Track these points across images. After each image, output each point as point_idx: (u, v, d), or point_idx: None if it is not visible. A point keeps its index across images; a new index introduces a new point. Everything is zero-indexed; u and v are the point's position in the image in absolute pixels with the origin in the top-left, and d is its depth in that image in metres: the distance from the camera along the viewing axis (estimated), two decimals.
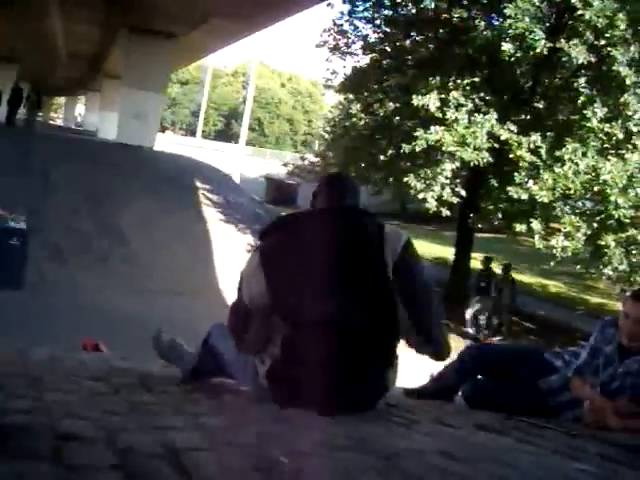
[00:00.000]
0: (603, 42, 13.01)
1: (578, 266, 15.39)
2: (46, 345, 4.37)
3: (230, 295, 15.25)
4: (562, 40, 13.18)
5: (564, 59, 13.60)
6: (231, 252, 17.34)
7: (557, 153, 13.43)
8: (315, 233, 2.69)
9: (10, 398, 2.05)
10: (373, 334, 2.64)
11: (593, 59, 13.12)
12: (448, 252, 20.08)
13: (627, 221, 13.14)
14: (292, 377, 2.55)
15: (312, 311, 2.57)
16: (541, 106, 14.74)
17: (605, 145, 13.75)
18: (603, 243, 13.36)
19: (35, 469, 1.39)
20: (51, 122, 49.28)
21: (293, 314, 2.60)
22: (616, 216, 12.92)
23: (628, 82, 12.63)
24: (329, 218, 2.76)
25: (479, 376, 4.12)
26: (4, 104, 25.47)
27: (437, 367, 4.20)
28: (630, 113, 12.92)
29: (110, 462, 1.50)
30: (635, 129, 13.20)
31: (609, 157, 13.37)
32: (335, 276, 2.60)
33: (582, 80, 13.76)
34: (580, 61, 13.03)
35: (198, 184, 21.23)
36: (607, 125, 13.17)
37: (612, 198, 12.91)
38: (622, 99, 12.89)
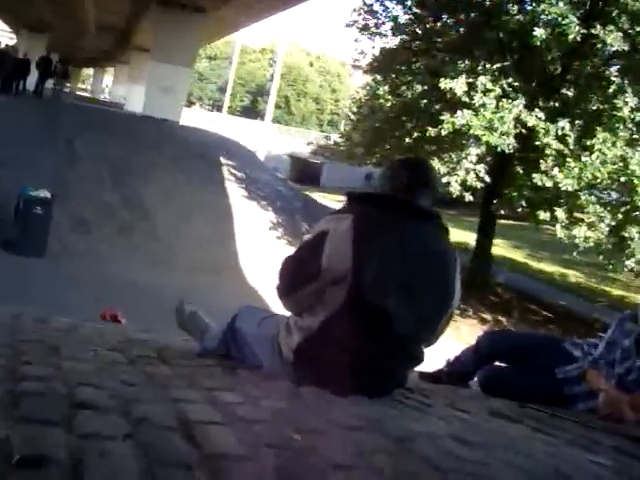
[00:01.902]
0: (639, 29, 12.80)
1: (600, 257, 15.27)
2: (65, 314, 4.40)
3: (251, 273, 15.31)
4: (597, 26, 12.96)
5: (598, 46, 13.40)
6: (253, 229, 17.38)
7: (586, 142, 13.28)
8: (405, 227, 2.60)
9: (27, 365, 2.06)
10: (416, 339, 2.66)
11: (627, 47, 12.92)
12: (469, 237, 20.00)
13: None
14: (322, 356, 2.53)
15: (378, 297, 2.51)
16: (570, 94, 14.57)
17: (634, 136, 13.57)
18: (627, 235, 13.24)
19: (49, 435, 1.40)
20: (79, 93, 49.51)
21: (362, 292, 2.50)
22: None
23: None
24: (424, 221, 2.69)
25: (496, 362, 4.11)
26: (34, 73, 25.52)
27: (454, 352, 4.20)
28: None
29: (123, 431, 1.51)
30: None
31: (639, 148, 13.19)
32: (411, 275, 2.55)
33: (614, 69, 13.57)
34: (615, 48, 12.84)
35: (222, 160, 21.25)
36: (638, 115, 12.99)
37: (639, 189, 12.76)
38: None
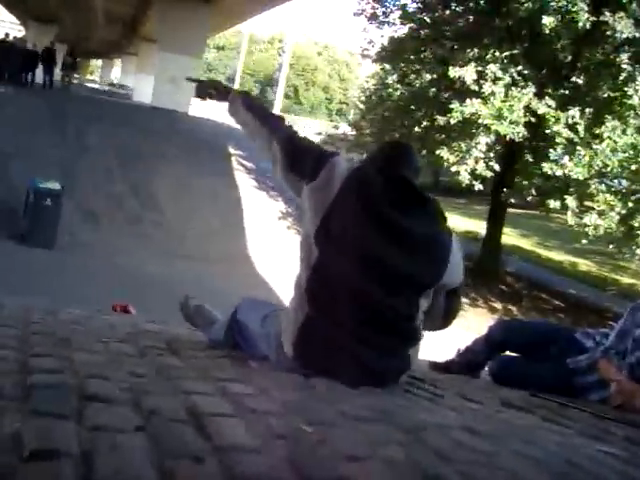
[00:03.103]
0: None
1: (610, 245, 15.21)
2: (76, 306, 4.41)
3: (260, 263, 15.33)
4: (607, 13, 12.86)
5: (608, 33, 13.28)
6: (262, 219, 17.39)
7: (596, 130, 13.20)
8: (401, 206, 2.58)
9: (37, 357, 2.07)
10: (407, 313, 2.63)
11: (637, 34, 12.81)
12: (479, 226, 19.95)
13: None
14: (317, 342, 2.53)
15: (356, 246, 2.51)
16: (581, 81, 14.48)
17: None
18: (637, 224, 13.17)
19: (59, 428, 1.40)
20: (87, 84, 49.59)
21: (338, 242, 2.51)
22: None
23: None
24: (422, 204, 2.66)
25: (507, 352, 4.10)
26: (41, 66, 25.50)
27: (464, 342, 4.19)
28: None
29: (134, 424, 1.51)
30: None
31: None
32: (399, 240, 2.54)
33: (624, 56, 13.46)
34: (625, 35, 12.73)
35: (231, 150, 21.25)
36: None
37: None
38: None
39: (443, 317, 2.82)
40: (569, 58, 15.08)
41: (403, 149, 2.88)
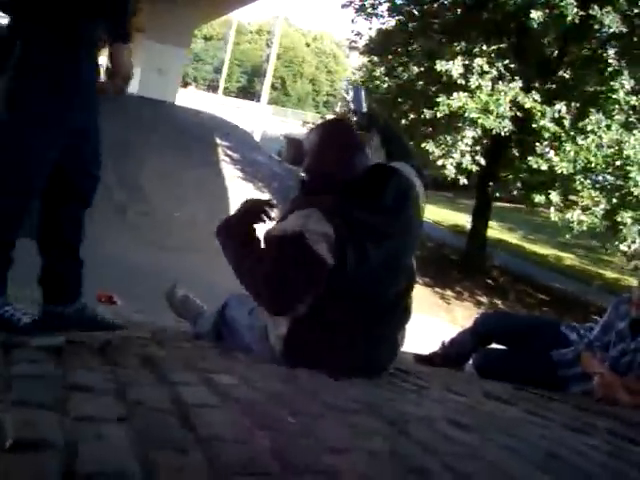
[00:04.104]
0: (637, 10, 12.75)
1: (594, 241, 15.30)
2: None
3: None
4: (595, 7, 12.88)
5: (596, 27, 13.30)
6: None
7: (580, 125, 13.25)
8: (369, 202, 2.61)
9: (21, 348, 2.06)
10: (400, 306, 2.65)
11: (624, 29, 12.85)
12: (465, 220, 20.00)
13: None
14: (311, 342, 2.53)
15: (361, 275, 2.52)
16: (567, 76, 14.52)
17: (631, 119, 13.54)
18: (620, 220, 13.24)
19: (43, 419, 1.39)
20: None
21: (344, 272, 2.50)
22: (635, 193, 12.76)
23: None
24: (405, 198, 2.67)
25: (492, 344, 4.12)
26: None
27: (450, 334, 4.20)
28: None
29: (118, 414, 1.51)
30: None
31: (635, 132, 13.16)
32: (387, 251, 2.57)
33: (611, 51, 13.51)
34: (612, 30, 12.76)
35: (218, 141, 21.17)
36: (634, 98, 12.96)
37: (632, 175, 12.74)
38: None
39: None
40: (556, 52, 15.12)
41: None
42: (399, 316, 2.69)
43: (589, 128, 13.07)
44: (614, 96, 12.98)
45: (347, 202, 2.55)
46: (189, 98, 39.15)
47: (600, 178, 14.00)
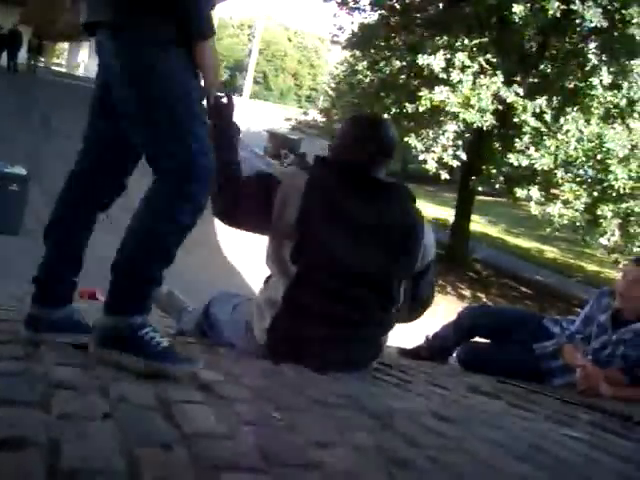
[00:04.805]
0: (617, 4, 12.81)
1: (577, 235, 15.40)
2: None
3: (229, 248, 15.26)
4: (576, 1, 12.94)
5: (577, 21, 13.36)
6: None
7: (560, 120, 13.32)
8: (363, 196, 2.59)
9: (3, 344, 2.04)
10: (380, 301, 2.65)
11: (606, 24, 12.92)
12: (448, 214, 20.06)
13: (627, 192, 13.05)
14: (293, 332, 2.53)
15: (332, 253, 2.52)
16: (549, 70, 14.58)
17: (611, 112, 13.62)
18: (600, 213, 13.33)
19: (26, 417, 1.38)
20: (53, 68, 48.89)
21: (312, 254, 2.52)
22: (616, 186, 12.85)
23: None
24: (382, 192, 2.66)
25: (476, 337, 4.14)
26: None
27: (433, 328, 4.22)
28: (634, 80, 12.75)
29: (102, 411, 1.50)
30: (636, 97, 13.05)
31: (614, 125, 13.24)
32: (368, 238, 2.56)
33: (592, 46, 13.58)
34: (593, 24, 12.82)
35: None
36: (610, 93, 13.04)
37: (612, 168, 12.82)
38: (629, 65, 12.73)
39: (412, 305, 2.83)
40: (537, 47, 15.18)
41: (361, 130, 2.77)
42: (376, 312, 2.68)
43: (567, 124, 13.14)
44: (592, 92, 13.06)
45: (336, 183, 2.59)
46: None
47: (581, 172, 14.08)
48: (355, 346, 2.62)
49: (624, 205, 13.36)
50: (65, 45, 70.58)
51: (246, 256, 13.93)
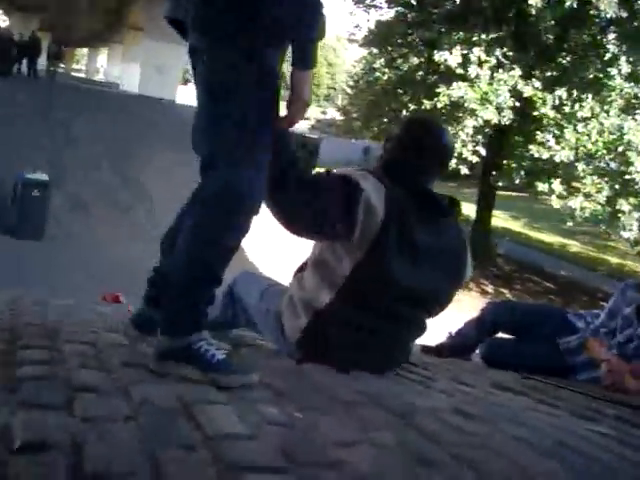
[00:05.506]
0: None
1: (602, 226, 15.27)
2: (65, 296, 4.40)
3: (250, 248, 15.29)
4: None
5: (593, 13, 13.26)
6: None
7: (577, 111, 13.19)
8: (427, 219, 2.51)
9: (27, 349, 2.06)
10: (424, 318, 2.65)
11: (624, 14, 12.80)
12: (470, 209, 20.00)
13: None
14: (329, 336, 2.48)
15: (394, 276, 2.44)
16: (567, 62, 14.47)
17: (631, 104, 13.48)
18: (619, 207, 13.20)
19: (49, 420, 1.39)
20: (73, 73, 49.29)
21: (373, 274, 2.43)
22: (637, 179, 12.71)
23: None
24: (445, 214, 2.61)
25: (499, 334, 4.11)
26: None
27: (456, 325, 4.20)
28: None
29: (124, 414, 1.51)
30: None
31: (636, 117, 13.10)
32: (427, 261, 2.51)
33: (611, 36, 13.45)
34: (610, 15, 12.70)
35: None
36: (628, 85, 12.90)
37: (632, 160, 12.68)
38: None
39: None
40: (555, 39, 15.06)
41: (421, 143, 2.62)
42: (415, 327, 2.68)
43: (585, 115, 13.01)
44: (610, 82, 12.92)
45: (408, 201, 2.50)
46: (189, 95, 39.14)
47: (603, 164, 13.95)
48: (389, 355, 2.62)
49: None
50: (84, 51, 71.13)
51: (265, 253, 13.94)
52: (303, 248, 2.83)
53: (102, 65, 64.81)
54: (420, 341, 2.96)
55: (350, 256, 2.43)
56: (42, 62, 27.57)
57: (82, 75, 54.79)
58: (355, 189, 2.37)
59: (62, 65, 37.85)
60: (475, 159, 14.67)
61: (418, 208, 2.49)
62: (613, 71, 12.78)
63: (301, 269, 2.71)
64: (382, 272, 2.42)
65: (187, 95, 26.09)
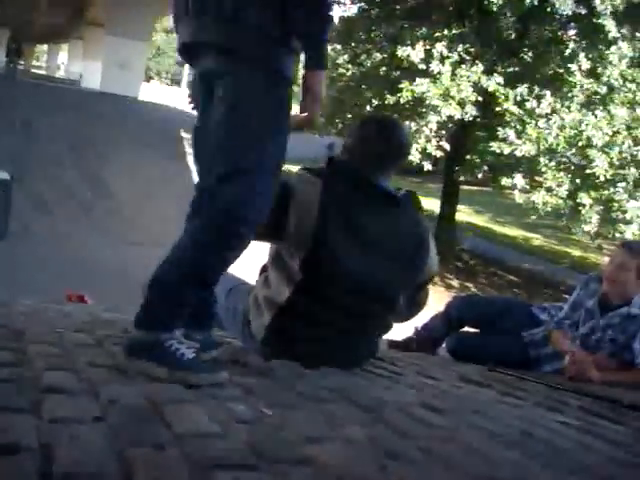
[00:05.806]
0: None
1: (563, 220, 15.44)
2: (29, 297, 4.35)
3: None
4: None
5: (551, 10, 13.39)
6: None
7: (538, 107, 13.31)
8: (376, 209, 2.58)
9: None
10: (385, 310, 2.66)
11: (583, 11, 12.95)
12: (434, 204, 20.12)
13: (608, 178, 13.03)
14: (293, 333, 2.53)
15: (345, 267, 2.49)
16: (529, 58, 14.60)
17: (592, 99, 13.63)
18: (580, 200, 13.35)
19: (17, 422, 1.38)
20: (33, 70, 48.58)
21: (323, 266, 2.49)
22: (597, 174, 12.85)
23: (611, 36, 12.43)
24: (392, 206, 2.63)
25: (465, 327, 4.16)
26: None
27: (422, 320, 4.23)
28: (611, 68, 12.75)
29: (93, 414, 1.50)
30: (616, 84, 13.05)
31: (596, 112, 13.24)
32: (380, 252, 2.54)
33: (572, 32, 13.60)
34: (566, 12, 12.86)
35: (183, 134, 21.04)
36: (588, 80, 13.05)
37: (591, 156, 12.83)
38: (607, 52, 12.74)
39: (409, 309, 2.85)
40: (517, 35, 15.19)
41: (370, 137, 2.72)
42: (378, 322, 2.70)
43: (546, 111, 13.14)
44: (571, 78, 13.07)
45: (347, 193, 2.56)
46: (152, 92, 38.82)
47: (564, 159, 14.08)
48: (354, 349, 2.64)
49: (605, 192, 13.37)
50: (44, 47, 70.11)
51: None
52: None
53: (63, 62, 63.96)
54: (387, 336, 2.98)
55: (298, 252, 2.49)
56: (1, 59, 27.15)
57: (43, 72, 54.04)
58: (285, 189, 2.47)
59: (22, 62, 37.25)
60: (440, 154, 14.74)
61: (365, 200, 2.55)
62: (573, 67, 12.92)
63: (265, 268, 2.73)
64: (330, 263, 2.48)
65: (150, 92, 25.87)
